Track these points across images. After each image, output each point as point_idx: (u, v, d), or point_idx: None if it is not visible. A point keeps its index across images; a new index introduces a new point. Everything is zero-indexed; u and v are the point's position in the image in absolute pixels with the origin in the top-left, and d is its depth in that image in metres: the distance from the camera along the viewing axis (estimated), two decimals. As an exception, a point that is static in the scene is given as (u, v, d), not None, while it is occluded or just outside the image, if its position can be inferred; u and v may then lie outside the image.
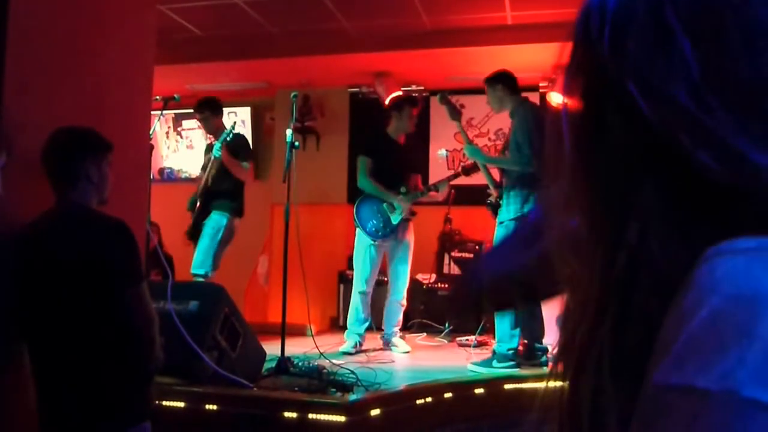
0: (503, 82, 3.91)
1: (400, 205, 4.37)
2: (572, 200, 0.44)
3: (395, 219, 4.38)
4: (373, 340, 4.55)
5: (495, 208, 3.97)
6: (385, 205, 4.41)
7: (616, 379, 0.38)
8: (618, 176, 0.39)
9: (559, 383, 0.43)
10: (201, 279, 4.28)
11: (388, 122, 4.57)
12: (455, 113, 4.18)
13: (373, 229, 4.40)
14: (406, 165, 4.49)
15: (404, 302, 4.47)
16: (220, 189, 4.39)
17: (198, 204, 4.48)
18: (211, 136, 4.72)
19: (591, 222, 0.42)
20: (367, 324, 4.49)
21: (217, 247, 4.34)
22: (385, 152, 4.45)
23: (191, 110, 6.42)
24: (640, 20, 0.38)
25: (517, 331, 3.77)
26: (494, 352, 3.77)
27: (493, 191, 4.06)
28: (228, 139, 4.32)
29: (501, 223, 3.83)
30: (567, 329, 0.43)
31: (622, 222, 0.39)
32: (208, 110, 4.57)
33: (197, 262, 4.35)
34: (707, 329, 0.31)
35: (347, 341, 4.40)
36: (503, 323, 3.73)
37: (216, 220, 4.37)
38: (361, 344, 4.43)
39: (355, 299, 4.47)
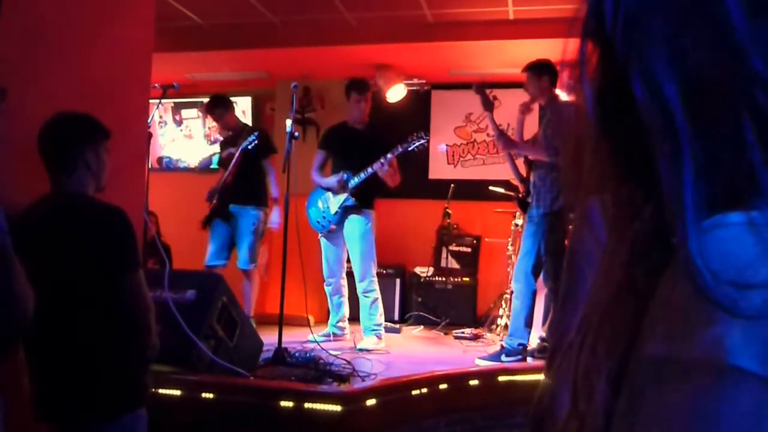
0: (551, 75, 3.84)
1: (334, 185, 4.26)
2: (592, 180, 0.44)
3: (333, 208, 4.32)
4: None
5: (524, 205, 3.97)
6: (324, 196, 4.37)
7: (609, 355, 0.39)
8: (633, 156, 0.39)
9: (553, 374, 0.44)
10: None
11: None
12: (488, 104, 4.12)
13: (316, 221, 4.40)
14: (364, 153, 4.24)
15: (368, 294, 4.27)
16: (247, 185, 4.49)
17: (216, 198, 4.55)
18: (227, 131, 4.81)
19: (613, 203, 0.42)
20: (337, 315, 4.49)
21: (259, 240, 4.54)
22: (341, 143, 4.39)
23: (191, 99, 6.46)
24: None
25: (528, 329, 3.76)
26: (503, 346, 3.78)
27: (519, 185, 4.06)
28: (249, 147, 4.39)
29: (531, 218, 3.80)
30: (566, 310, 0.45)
31: (637, 203, 0.39)
32: (221, 108, 4.69)
33: (245, 259, 4.49)
34: (695, 302, 0.32)
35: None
36: (519, 318, 3.72)
37: (254, 215, 4.51)
38: (335, 335, 4.44)
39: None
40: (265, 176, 4.55)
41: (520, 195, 4.05)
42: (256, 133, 4.48)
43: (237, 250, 4.56)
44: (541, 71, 3.85)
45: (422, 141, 4.20)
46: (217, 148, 5.38)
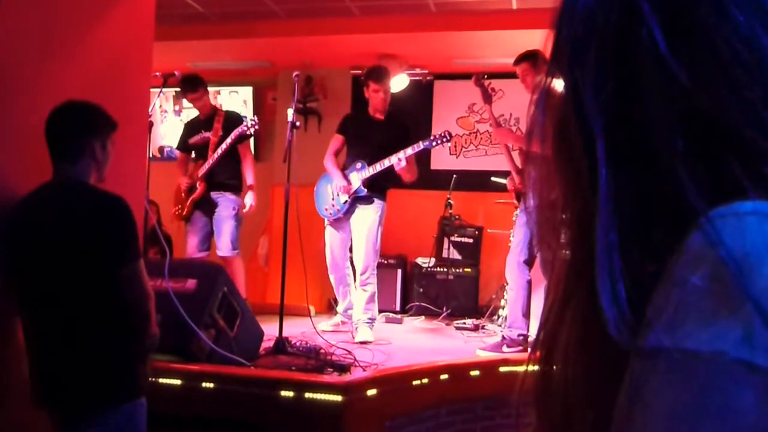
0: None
1: (342, 181, 4.19)
2: (551, 180, 0.45)
3: (342, 198, 4.23)
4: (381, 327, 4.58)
5: (519, 195, 3.96)
6: (334, 184, 4.29)
7: (583, 356, 0.40)
8: (584, 161, 0.40)
9: (537, 366, 0.45)
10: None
11: None
12: (488, 97, 4.07)
13: (323, 208, 4.33)
14: (380, 144, 4.16)
15: (366, 288, 4.19)
16: (228, 171, 4.47)
17: (201, 186, 4.49)
18: (200, 113, 4.71)
19: (566, 202, 0.44)
20: (345, 302, 4.46)
21: (239, 226, 4.51)
22: (358, 130, 4.30)
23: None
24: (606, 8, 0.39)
25: (527, 319, 3.75)
26: (503, 337, 3.77)
27: (516, 177, 4.04)
28: (248, 133, 4.40)
29: (525, 208, 3.78)
30: (544, 308, 0.45)
31: (589, 205, 0.39)
32: (204, 87, 4.59)
33: (227, 245, 4.44)
34: (699, 293, 0.32)
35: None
36: (515, 308, 3.71)
37: (233, 201, 4.48)
38: (344, 322, 4.42)
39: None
40: (240, 162, 4.50)
41: (518, 186, 4.03)
42: (255, 118, 4.46)
43: (216, 238, 4.49)
44: (539, 61, 3.81)
45: (446, 140, 4.15)
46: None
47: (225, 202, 4.46)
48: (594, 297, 0.37)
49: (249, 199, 4.43)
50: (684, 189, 0.35)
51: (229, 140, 4.37)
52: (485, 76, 4.25)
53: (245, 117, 4.54)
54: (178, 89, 6.32)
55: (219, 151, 4.40)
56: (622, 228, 0.37)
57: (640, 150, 0.37)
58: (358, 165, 4.21)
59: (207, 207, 4.51)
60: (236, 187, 4.52)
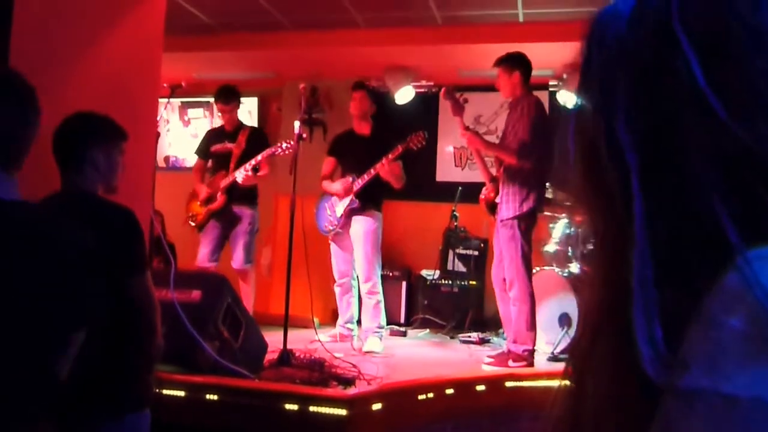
0: (522, 70, 3.80)
1: (339, 186, 4.32)
2: (580, 206, 0.45)
3: (338, 211, 4.36)
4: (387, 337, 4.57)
5: (492, 207, 3.93)
6: (332, 200, 4.41)
7: (612, 389, 0.39)
8: (615, 192, 0.40)
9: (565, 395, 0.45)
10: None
11: None
12: (458, 108, 4.09)
13: (323, 225, 4.44)
14: (369, 158, 4.27)
15: (371, 296, 4.27)
16: (249, 185, 4.53)
17: (221, 198, 4.52)
18: (227, 125, 4.77)
19: (596, 230, 0.43)
20: (345, 316, 4.49)
21: (254, 239, 4.60)
22: (346, 149, 4.47)
23: (197, 99, 6.45)
24: (642, 40, 0.39)
25: (531, 333, 3.71)
26: (509, 351, 3.73)
27: (489, 186, 4.02)
28: (278, 153, 4.43)
29: (503, 221, 3.75)
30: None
31: (621, 236, 0.39)
32: (237, 100, 4.73)
33: (242, 258, 4.51)
34: (737, 336, 0.31)
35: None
36: (520, 323, 3.67)
37: (250, 215, 4.56)
38: (342, 335, 4.43)
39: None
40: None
41: (492, 195, 3.98)
42: (290, 142, 4.30)
43: (232, 250, 4.54)
44: (513, 66, 3.80)
45: (422, 139, 4.28)
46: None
47: (244, 216, 4.54)
48: (626, 332, 0.36)
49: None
50: (721, 226, 0.34)
51: (259, 157, 4.43)
52: (455, 89, 4.28)
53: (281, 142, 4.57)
54: (184, 100, 6.36)
55: (247, 166, 4.45)
56: (657, 262, 0.37)
57: (676, 183, 0.37)
58: (350, 179, 4.34)
59: (223, 218, 4.55)
60: (254, 199, 4.62)
